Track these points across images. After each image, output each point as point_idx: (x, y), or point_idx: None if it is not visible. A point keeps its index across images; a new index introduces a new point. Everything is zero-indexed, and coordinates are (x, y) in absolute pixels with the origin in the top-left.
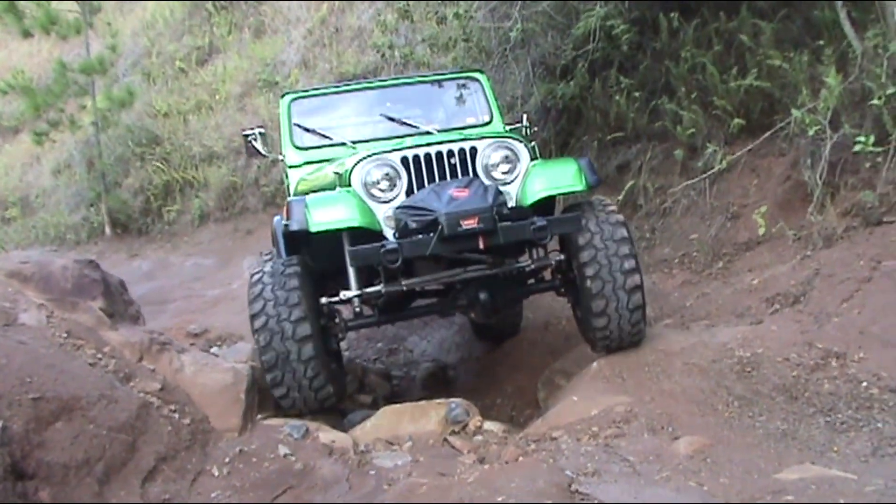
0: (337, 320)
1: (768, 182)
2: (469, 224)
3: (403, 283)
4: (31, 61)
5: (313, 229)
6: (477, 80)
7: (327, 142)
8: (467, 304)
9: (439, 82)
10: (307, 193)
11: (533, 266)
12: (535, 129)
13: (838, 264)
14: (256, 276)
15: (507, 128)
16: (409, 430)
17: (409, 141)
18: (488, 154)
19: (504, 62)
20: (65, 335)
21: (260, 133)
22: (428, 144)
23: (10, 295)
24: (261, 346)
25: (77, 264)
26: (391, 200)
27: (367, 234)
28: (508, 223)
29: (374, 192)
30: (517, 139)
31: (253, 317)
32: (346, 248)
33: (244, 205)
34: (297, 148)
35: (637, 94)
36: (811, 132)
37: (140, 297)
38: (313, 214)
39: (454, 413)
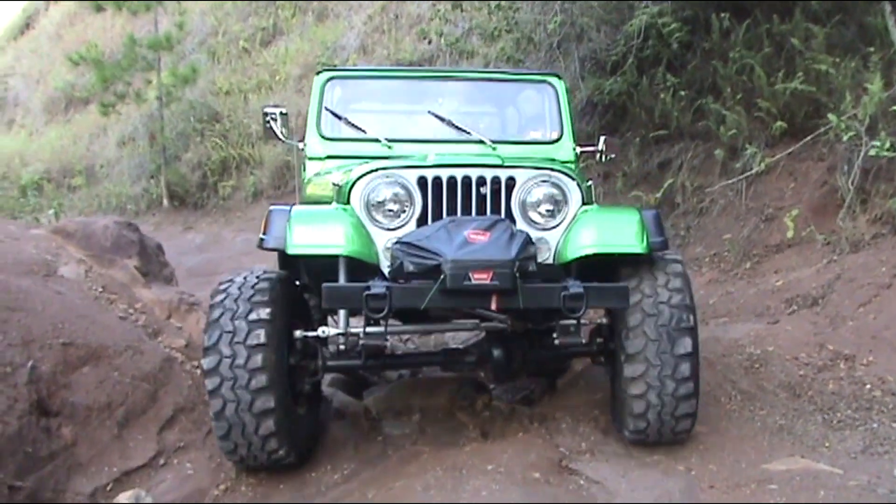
0: (316, 357)
1: (805, 186)
2: (480, 279)
3: (389, 330)
4: (104, 36)
5: (290, 251)
6: (551, 85)
7: (359, 135)
8: (477, 360)
9: (506, 80)
10: (312, 200)
11: (558, 341)
12: (613, 156)
13: (861, 269)
14: (219, 296)
15: (579, 150)
16: (419, 403)
17: (433, 155)
18: (529, 188)
19: (552, 56)
20: (100, 289)
21: (281, 113)
22: (454, 166)
23: (52, 249)
24: (208, 390)
25: (117, 225)
26: (398, 229)
27: (366, 265)
28: (534, 284)
29: (378, 215)
30: (569, 174)
31: (205, 350)
32: (324, 284)
33: (296, 184)
34: (323, 137)
35: (683, 92)
36: (846, 137)
37: (190, 268)
38: (295, 233)
39: (464, 389)
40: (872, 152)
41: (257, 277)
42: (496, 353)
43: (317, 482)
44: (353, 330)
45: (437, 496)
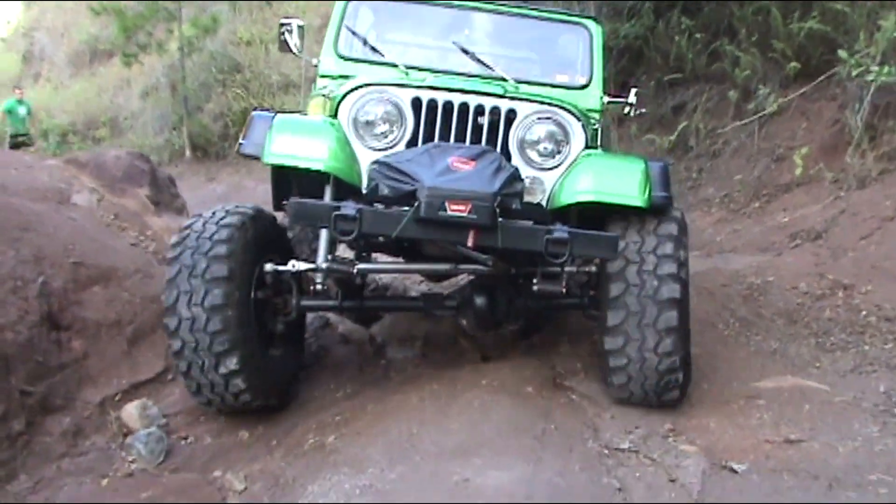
0: (291, 295)
1: (816, 126)
2: (457, 210)
3: (357, 266)
4: None
5: (266, 160)
6: (587, 29)
7: (376, 57)
8: (457, 307)
9: (540, 19)
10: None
11: (537, 288)
12: (643, 111)
13: (866, 204)
14: (184, 232)
15: (606, 100)
16: (424, 331)
17: (431, 77)
18: (529, 124)
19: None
20: (112, 217)
21: (298, 26)
22: (453, 90)
23: (66, 178)
24: (168, 331)
25: (129, 155)
26: (385, 149)
27: (351, 187)
28: (516, 223)
29: (366, 134)
30: (574, 112)
31: (166, 285)
32: (291, 199)
33: (301, 104)
34: (339, 56)
35: (699, 35)
36: (855, 73)
37: None
38: (274, 141)
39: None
40: (870, 77)
41: (225, 212)
42: (479, 300)
43: (320, 399)
44: (323, 265)
45: (431, 406)
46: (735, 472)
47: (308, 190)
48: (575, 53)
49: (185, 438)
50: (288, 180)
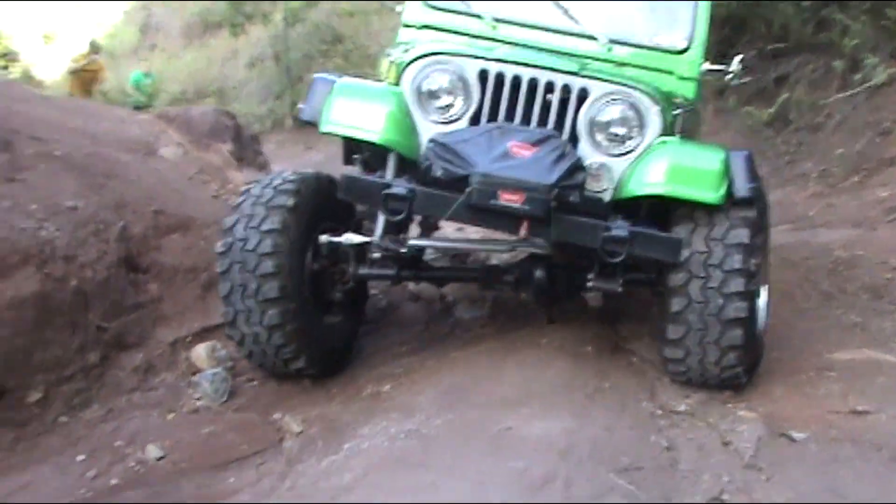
0: (348, 264)
1: None
2: (509, 199)
3: (410, 242)
4: None
5: (322, 129)
6: None
7: (463, 7)
8: (515, 281)
9: None
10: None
11: (591, 283)
12: (748, 80)
13: None
14: (241, 198)
15: (706, 67)
16: (493, 292)
17: (502, 48)
18: (601, 106)
19: None
20: (196, 170)
21: None
22: (522, 64)
23: (155, 132)
24: (221, 297)
25: (214, 112)
26: (447, 123)
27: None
28: (572, 218)
29: (428, 105)
30: (653, 95)
31: (220, 255)
32: (343, 173)
33: None
34: (425, 2)
35: (806, 3)
36: None
37: None
38: (332, 108)
39: None
40: None
41: (282, 179)
42: (538, 274)
43: (384, 353)
44: (376, 239)
45: (486, 361)
46: (794, 440)
47: (376, 153)
48: (677, 13)
49: (251, 381)
50: (358, 146)
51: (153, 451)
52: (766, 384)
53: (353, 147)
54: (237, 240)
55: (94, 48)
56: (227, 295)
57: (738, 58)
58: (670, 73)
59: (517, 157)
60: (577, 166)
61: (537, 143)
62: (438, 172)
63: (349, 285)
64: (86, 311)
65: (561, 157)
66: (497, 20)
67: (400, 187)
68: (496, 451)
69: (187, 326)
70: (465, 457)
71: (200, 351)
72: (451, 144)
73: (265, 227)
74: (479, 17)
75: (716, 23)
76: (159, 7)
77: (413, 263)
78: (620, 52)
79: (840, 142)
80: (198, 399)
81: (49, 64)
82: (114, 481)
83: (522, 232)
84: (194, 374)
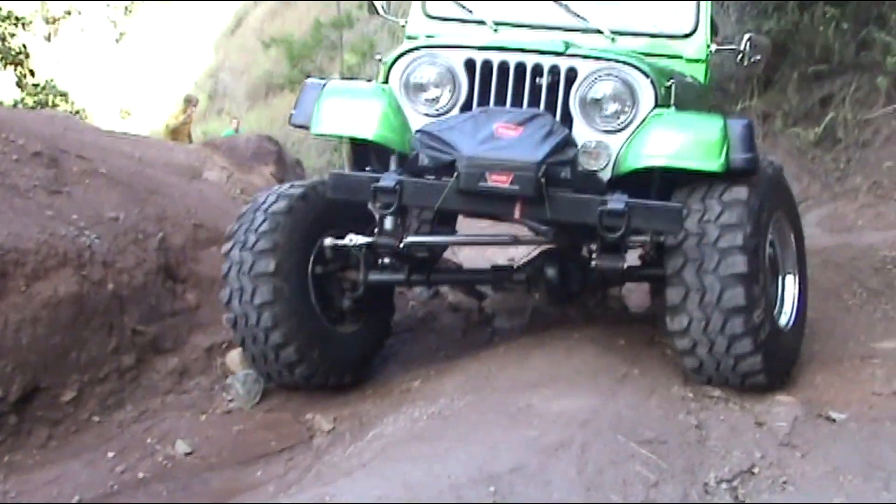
0: (357, 268)
1: None
2: (498, 181)
3: (407, 239)
4: (298, 26)
5: (314, 131)
6: None
7: (464, 14)
8: (527, 279)
9: None
10: None
11: (595, 264)
12: (758, 58)
13: None
14: (239, 220)
15: (714, 48)
16: (534, 302)
17: (486, 37)
18: (591, 83)
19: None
20: (239, 191)
21: None
22: (507, 50)
23: (201, 158)
24: (223, 303)
25: (258, 138)
26: (438, 115)
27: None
28: (567, 194)
29: (417, 99)
30: (641, 68)
31: (222, 257)
32: (331, 171)
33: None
34: (427, 15)
35: (846, 25)
36: None
37: None
38: (322, 110)
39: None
40: None
41: (290, 185)
42: (550, 272)
43: (420, 358)
44: (379, 240)
45: (515, 351)
46: (833, 420)
47: (382, 154)
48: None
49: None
50: (364, 146)
51: (182, 447)
52: (806, 373)
53: (357, 152)
54: (237, 243)
55: (191, 100)
56: (228, 300)
57: (746, 36)
58: (679, 57)
59: (504, 138)
60: (567, 142)
61: (524, 122)
62: (425, 161)
63: (359, 292)
64: (122, 315)
65: (549, 133)
66: (499, 24)
67: (388, 180)
68: (514, 423)
69: (223, 333)
70: (482, 428)
71: (234, 355)
72: (436, 132)
73: (262, 228)
74: (481, 22)
75: None
76: (226, 74)
77: (424, 267)
78: (627, 44)
79: (888, 155)
80: (230, 401)
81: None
82: (141, 475)
83: (517, 213)
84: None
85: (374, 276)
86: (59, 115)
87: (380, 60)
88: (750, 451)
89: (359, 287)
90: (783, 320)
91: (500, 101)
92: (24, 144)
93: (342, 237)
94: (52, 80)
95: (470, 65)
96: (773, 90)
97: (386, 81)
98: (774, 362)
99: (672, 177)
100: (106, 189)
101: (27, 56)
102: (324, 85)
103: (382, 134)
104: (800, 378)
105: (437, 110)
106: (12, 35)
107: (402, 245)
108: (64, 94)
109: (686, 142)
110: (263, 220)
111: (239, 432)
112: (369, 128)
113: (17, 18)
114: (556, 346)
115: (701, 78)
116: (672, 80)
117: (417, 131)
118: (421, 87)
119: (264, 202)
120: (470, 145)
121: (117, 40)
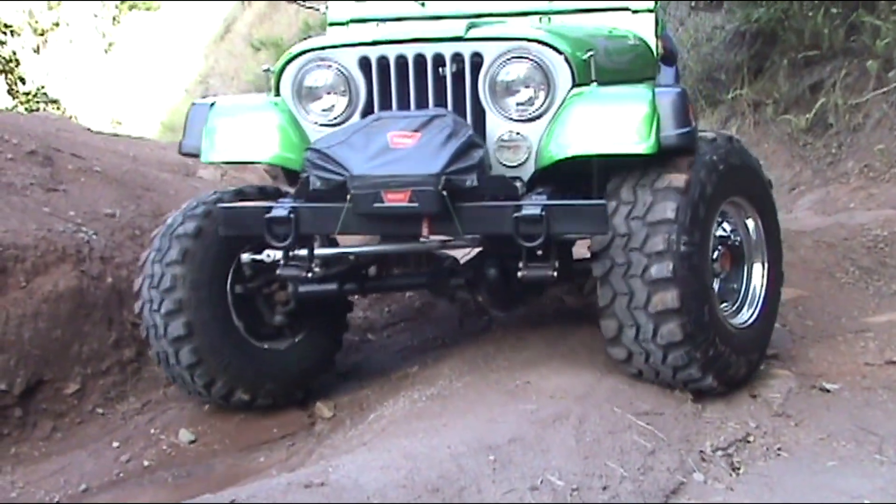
0: (285, 283)
1: None
2: (395, 201)
3: (317, 252)
4: (288, 30)
5: (205, 158)
6: None
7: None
8: (467, 282)
9: None
10: None
11: (521, 275)
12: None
13: None
14: (156, 231)
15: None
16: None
17: (392, 28)
18: (497, 68)
19: None
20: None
21: None
22: (402, 41)
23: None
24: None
25: None
26: (338, 125)
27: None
28: (476, 204)
29: (311, 110)
30: (555, 46)
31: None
32: (218, 205)
33: None
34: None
35: (835, 10)
36: None
37: None
38: (211, 135)
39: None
40: None
41: (196, 202)
42: (491, 272)
43: (418, 346)
44: (284, 272)
45: (511, 335)
46: (826, 390)
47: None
48: None
49: None
50: None
51: (185, 436)
52: (800, 348)
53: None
54: (145, 278)
55: None
56: (140, 310)
57: None
58: (625, 9)
59: (398, 149)
60: (471, 144)
61: (420, 127)
62: (317, 183)
63: (291, 307)
64: (121, 309)
65: (449, 137)
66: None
67: (280, 209)
68: (511, 399)
69: None
70: (480, 404)
71: None
72: (325, 149)
73: (167, 259)
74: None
75: (747, 38)
76: (216, 79)
77: (356, 275)
78: (569, 4)
79: (879, 138)
80: None
81: None
82: (146, 463)
83: (425, 231)
84: None
85: (304, 289)
86: (51, 116)
87: (267, 70)
88: (745, 422)
89: (289, 302)
90: (743, 316)
91: (404, 102)
92: (19, 143)
93: (262, 249)
94: (42, 88)
95: (365, 63)
96: (763, 78)
97: (278, 93)
98: (723, 367)
99: (611, 162)
100: (101, 186)
101: (17, 64)
102: (211, 104)
103: (280, 154)
104: (794, 353)
105: (334, 119)
106: (2, 43)
107: (312, 270)
108: (55, 101)
109: (609, 123)
110: (169, 248)
111: (241, 420)
112: (264, 150)
113: (5, 26)
114: (553, 328)
115: (650, 32)
116: (590, 52)
117: (307, 149)
118: (313, 95)
119: (171, 225)
120: (359, 162)
121: (106, 50)
